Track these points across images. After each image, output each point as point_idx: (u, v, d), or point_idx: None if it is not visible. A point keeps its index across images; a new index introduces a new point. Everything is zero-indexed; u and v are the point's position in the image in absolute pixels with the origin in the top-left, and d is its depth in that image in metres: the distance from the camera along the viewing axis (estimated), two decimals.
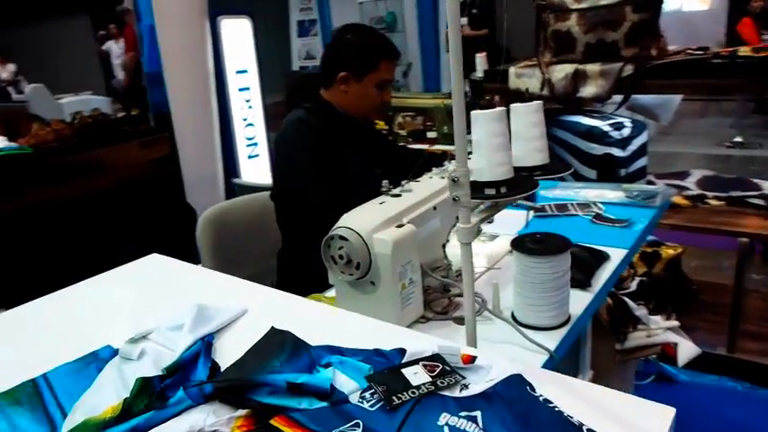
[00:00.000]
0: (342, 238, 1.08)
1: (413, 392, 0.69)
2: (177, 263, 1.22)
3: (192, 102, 3.21)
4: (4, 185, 2.47)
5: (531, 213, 1.73)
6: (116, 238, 2.58)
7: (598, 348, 1.90)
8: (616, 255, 1.41)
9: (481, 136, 0.95)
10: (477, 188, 0.95)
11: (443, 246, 1.28)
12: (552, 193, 1.88)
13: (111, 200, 2.75)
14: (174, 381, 0.75)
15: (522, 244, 1.09)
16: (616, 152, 2.28)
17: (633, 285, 2.02)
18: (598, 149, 2.29)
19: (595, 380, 1.83)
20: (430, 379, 0.71)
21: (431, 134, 3.12)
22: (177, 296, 1.04)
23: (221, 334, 0.97)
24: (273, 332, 0.86)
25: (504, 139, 0.97)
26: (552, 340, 1.07)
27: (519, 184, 0.94)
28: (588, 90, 2.15)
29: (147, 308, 1.02)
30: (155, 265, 1.23)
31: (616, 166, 2.28)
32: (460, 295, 1.23)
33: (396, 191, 1.26)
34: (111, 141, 2.97)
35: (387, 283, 1.08)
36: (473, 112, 0.97)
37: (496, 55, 3.04)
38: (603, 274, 1.32)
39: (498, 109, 0.97)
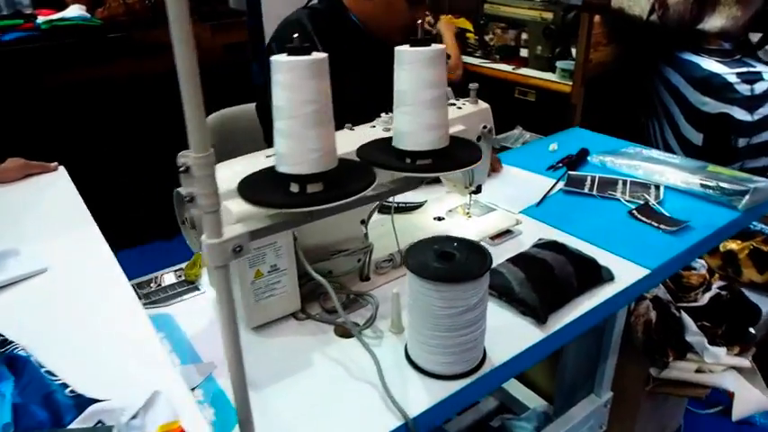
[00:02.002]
0: (185, 197, 0.81)
1: None
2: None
3: None
4: (60, 56, 2.46)
5: (560, 185, 1.30)
6: (160, 127, 2.50)
7: (627, 367, 1.48)
8: (630, 274, 0.98)
9: (407, 84, 0.60)
10: (397, 157, 0.62)
11: (363, 222, 0.95)
12: (613, 160, 1.39)
13: (168, 84, 2.64)
14: None
15: (421, 253, 0.74)
16: (738, 113, 1.65)
17: (705, 299, 1.51)
18: (713, 106, 1.67)
19: (616, 405, 1.44)
20: None
21: (523, 52, 2.57)
22: None
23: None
24: None
25: (438, 92, 0.61)
26: (437, 392, 0.74)
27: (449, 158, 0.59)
28: (714, 21, 1.54)
29: None
30: None
31: (733, 133, 1.66)
32: (361, 295, 0.92)
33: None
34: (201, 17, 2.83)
35: (234, 267, 0.80)
36: (397, 49, 0.61)
37: None
38: (587, 303, 0.91)
39: (435, 47, 0.60)
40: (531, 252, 0.98)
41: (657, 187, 1.26)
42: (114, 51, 2.68)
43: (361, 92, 1.30)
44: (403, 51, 0.59)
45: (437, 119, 0.61)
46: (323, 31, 1.34)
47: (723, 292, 1.52)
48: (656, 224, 1.12)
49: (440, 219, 1.18)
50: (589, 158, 1.44)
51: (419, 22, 1.33)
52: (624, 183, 1.29)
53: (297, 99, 0.51)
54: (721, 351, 1.41)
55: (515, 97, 2.43)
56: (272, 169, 0.53)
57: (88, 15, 2.69)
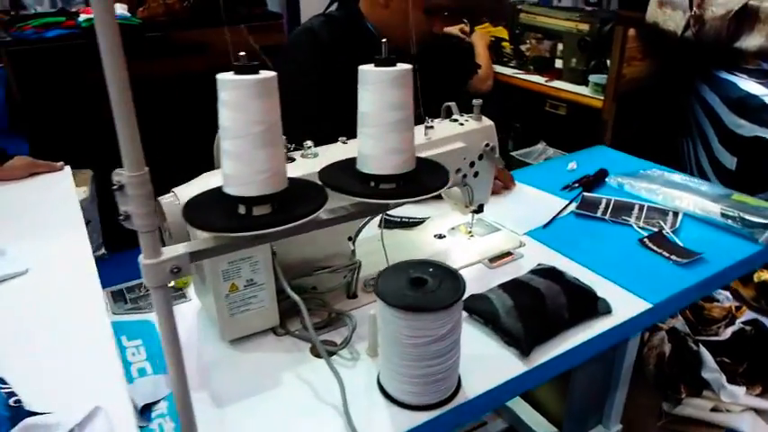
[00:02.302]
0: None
1: None
2: None
3: None
4: (98, 54, 2.52)
5: (572, 206, 1.25)
6: (194, 125, 2.55)
7: (638, 400, 1.41)
8: (631, 307, 0.92)
9: (370, 105, 0.58)
10: (361, 180, 0.60)
11: (351, 239, 0.93)
12: (632, 182, 1.32)
13: (204, 84, 2.68)
14: None
15: (394, 278, 0.71)
16: None
17: (727, 333, 1.42)
18: (748, 128, 1.58)
19: None
20: None
21: (558, 64, 2.50)
22: None
23: None
24: None
25: (403, 114, 0.58)
26: (403, 422, 0.71)
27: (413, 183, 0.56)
28: (752, 40, 1.45)
29: None
30: None
31: None
32: (341, 314, 0.90)
33: (318, 149, 0.91)
34: (221, 23, 2.88)
35: (209, 280, 0.80)
36: (360, 68, 0.59)
37: None
38: (578, 336, 0.86)
39: (401, 67, 0.58)
40: (524, 278, 0.93)
41: (675, 214, 1.20)
42: (152, 50, 2.74)
43: None
44: (367, 71, 0.57)
45: (401, 142, 0.58)
46: (338, 39, 1.33)
47: (748, 328, 1.43)
48: (666, 254, 1.06)
49: (440, 236, 1.15)
50: (607, 180, 1.37)
51: (436, 32, 1.29)
52: (641, 208, 1.23)
53: (243, 119, 0.49)
54: (740, 390, 1.33)
55: (546, 110, 2.36)
56: (220, 189, 0.52)
57: (128, 15, 2.77)
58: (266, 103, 0.50)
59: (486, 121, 1.04)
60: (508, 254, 1.09)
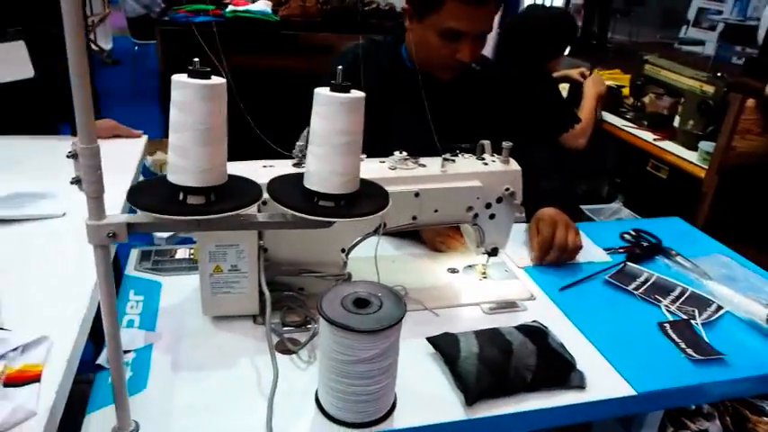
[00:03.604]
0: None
1: None
2: None
3: None
4: (235, 44, 2.80)
5: (605, 275, 1.17)
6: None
7: None
8: (611, 390, 0.86)
9: (318, 126, 0.63)
10: (304, 195, 0.66)
11: (344, 251, 0.97)
12: (686, 263, 1.22)
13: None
14: None
15: (344, 292, 0.74)
16: None
17: None
18: None
19: None
20: None
21: (676, 124, 2.31)
22: None
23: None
24: None
25: (348, 138, 0.63)
26: None
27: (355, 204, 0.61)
28: None
29: None
30: None
31: None
32: (313, 317, 0.94)
33: None
34: (351, 29, 3.04)
35: (199, 258, 0.88)
36: (315, 90, 0.64)
37: None
38: (534, 402, 0.82)
39: (352, 96, 0.62)
40: (504, 330, 0.91)
41: (719, 308, 1.08)
42: (284, 47, 2.97)
43: (411, 125, 1.24)
44: (320, 94, 0.61)
45: (343, 165, 0.61)
46: (374, 62, 1.30)
47: None
48: (683, 346, 0.97)
49: (453, 271, 1.15)
50: (659, 256, 1.27)
51: (459, 59, 1.21)
52: (682, 293, 1.13)
53: (187, 118, 0.55)
54: None
55: (646, 170, 2.21)
56: (165, 178, 0.59)
57: (270, 11, 3.03)
58: (212, 106, 0.56)
59: (513, 165, 1.03)
60: (513, 304, 1.06)
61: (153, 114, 2.98)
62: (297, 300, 0.96)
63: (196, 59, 0.55)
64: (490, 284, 1.11)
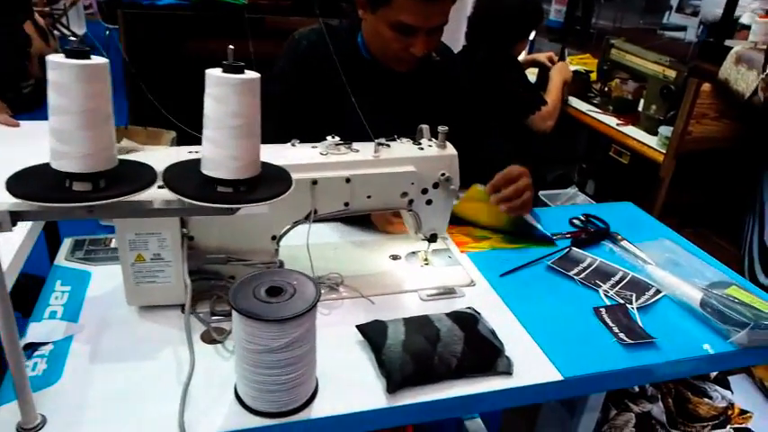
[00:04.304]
0: None
1: None
2: None
3: None
4: (197, 27, 2.74)
5: (547, 261, 1.17)
6: None
7: None
8: (539, 375, 0.86)
9: (210, 110, 0.61)
10: (201, 182, 0.64)
11: (276, 239, 0.95)
12: (629, 248, 1.22)
13: None
14: None
15: (258, 280, 0.73)
16: None
17: None
18: None
19: None
20: None
21: (641, 109, 2.31)
22: None
23: None
24: None
25: (242, 121, 0.61)
26: (233, 421, 0.72)
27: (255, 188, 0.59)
28: None
29: None
30: None
31: None
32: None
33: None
34: (322, 14, 2.97)
35: (119, 247, 0.86)
36: (207, 72, 0.62)
37: None
38: (457, 389, 0.82)
39: (246, 76, 0.60)
40: (434, 317, 0.90)
41: (658, 292, 1.09)
42: (250, 32, 2.92)
43: (367, 115, 1.19)
44: (211, 75, 0.59)
45: (238, 149, 0.59)
46: (319, 50, 1.25)
47: None
48: (615, 330, 0.97)
49: (395, 258, 1.14)
50: (605, 241, 1.27)
51: (413, 52, 1.18)
52: (623, 277, 1.13)
53: (66, 102, 0.53)
54: None
55: (609, 155, 2.22)
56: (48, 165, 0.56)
57: None
58: (93, 87, 0.53)
59: (450, 150, 1.02)
60: (451, 291, 1.05)
61: (122, 101, 2.92)
62: (227, 288, 0.94)
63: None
64: (431, 271, 1.11)
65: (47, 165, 0.57)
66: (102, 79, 0.54)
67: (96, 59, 0.54)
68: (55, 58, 0.53)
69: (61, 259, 1.04)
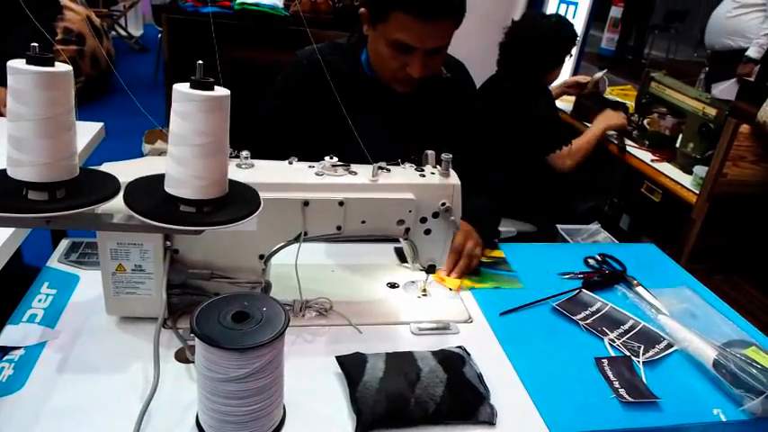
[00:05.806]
0: None
1: None
2: None
3: None
4: (239, 35, 2.76)
5: (553, 302, 1.11)
6: None
7: None
8: (524, 429, 0.80)
9: (176, 126, 0.59)
10: (164, 200, 0.62)
11: (263, 258, 0.92)
12: (644, 295, 1.15)
13: None
14: None
15: (226, 303, 0.70)
16: None
17: None
18: None
19: None
20: None
21: (679, 146, 2.19)
22: None
23: None
24: None
25: (208, 140, 0.59)
26: None
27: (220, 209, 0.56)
28: None
29: None
30: None
31: None
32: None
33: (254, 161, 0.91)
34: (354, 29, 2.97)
35: (100, 256, 0.84)
36: (175, 86, 0.60)
37: None
38: None
39: (215, 93, 0.58)
40: (418, 355, 0.85)
41: (669, 346, 1.01)
42: (291, 44, 2.93)
43: (369, 135, 1.08)
44: (177, 91, 0.56)
45: (203, 169, 0.56)
46: (331, 68, 1.14)
47: None
48: (617, 385, 0.90)
49: (393, 286, 1.09)
50: (619, 285, 1.20)
51: (410, 72, 1.14)
52: (633, 326, 1.05)
53: (24, 109, 0.51)
54: None
55: (640, 191, 2.12)
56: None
57: (280, 6, 2.99)
58: (53, 95, 0.51)
59: (453, 179, 0.97)
60: (446, 326, 1.00)
61: (161, 101, 2.98)
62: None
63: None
64: (428, 303, 1.06)
65: (4, 171, 0.55)
66: (62, 87, 0.52)
67: (59, 67, 0.52)
68: (14, 64, 0.51)
69: (54, 261, 1.03)
